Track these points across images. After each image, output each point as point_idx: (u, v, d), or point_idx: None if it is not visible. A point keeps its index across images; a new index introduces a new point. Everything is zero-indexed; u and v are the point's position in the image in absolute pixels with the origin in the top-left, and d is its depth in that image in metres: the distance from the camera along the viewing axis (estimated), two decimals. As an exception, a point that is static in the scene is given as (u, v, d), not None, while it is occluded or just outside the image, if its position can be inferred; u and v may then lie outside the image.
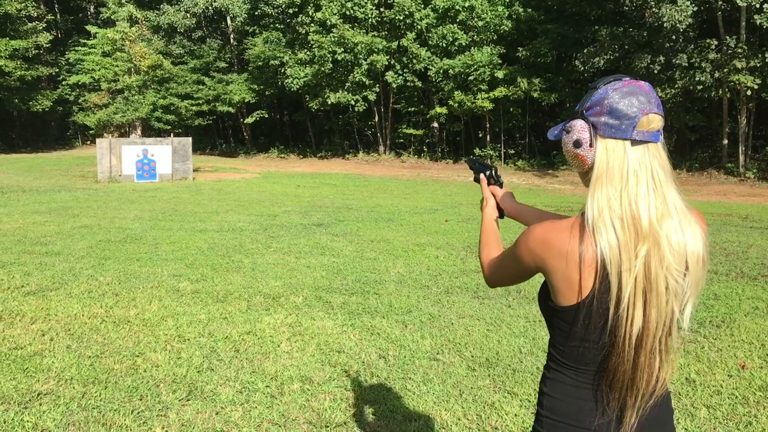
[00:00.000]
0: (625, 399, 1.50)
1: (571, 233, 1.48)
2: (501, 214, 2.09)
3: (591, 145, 1.50)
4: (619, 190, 1.45)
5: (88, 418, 3.68)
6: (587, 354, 1.52)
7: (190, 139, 22.62)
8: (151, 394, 4.01)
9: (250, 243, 9.34)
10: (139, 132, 37.21)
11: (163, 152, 21.23)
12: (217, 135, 43.69)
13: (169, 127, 35.77)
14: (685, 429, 3.61)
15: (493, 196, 2.13)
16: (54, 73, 42.19)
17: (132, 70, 36.80)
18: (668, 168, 1.49)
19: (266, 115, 37.84)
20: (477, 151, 30.69)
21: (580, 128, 1.52)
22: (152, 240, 9.46)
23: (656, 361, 1.49)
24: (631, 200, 1.44)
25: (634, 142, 1.47)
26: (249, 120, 37.30)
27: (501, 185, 2.16)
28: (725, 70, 21.14)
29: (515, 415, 3.77)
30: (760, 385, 4.23)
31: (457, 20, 29.03)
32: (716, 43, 21.78)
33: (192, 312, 5.80)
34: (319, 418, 3.73)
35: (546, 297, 1.59)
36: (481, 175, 2.17)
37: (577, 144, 1.52)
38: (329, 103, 31.36)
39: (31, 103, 39.07)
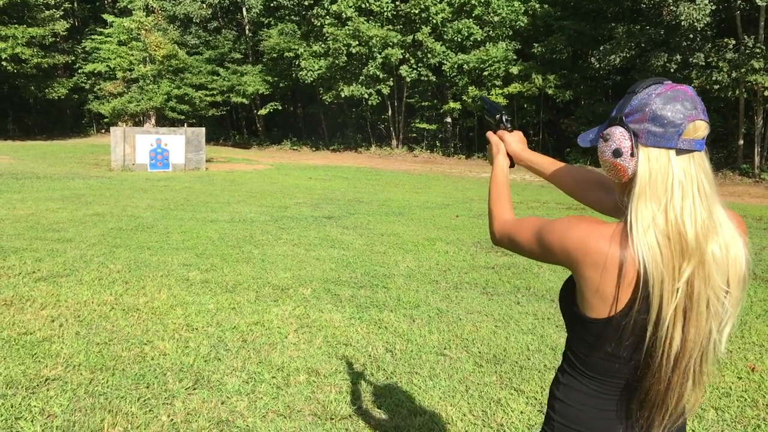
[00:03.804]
0: (653, 417, 1.45)
1: (612, 243, 1.38)
2: (511, 163, 1.94)
3: (632, 155, 1.39)
4: (664, 203, 1.35)
5: (95, 404, 3.70)
6: (613, 368, 1.45)
7: (203, 129, 22.66)
8: (157, 382, 4.02)
9: (261, 234, 9.36)
10: (153, 121, 37.34)
11: (176, 142, 21.29)
12: (230, 126, 43.82)
13: (183, 117, 35.88)
14: (693, 431, 3.58)
15: (504, 144, 1.96)
16: (70, 61, 42.42)
17: (147, 59, 36.91)
18: (712, 178, 1.39)
19: (280, 107, 37.88)
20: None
21: (620, 136, 1.41)
22: (163, 229, 9.50)
23: (689, 382, 1.42)
24: (677, 215, 1.34)
25: (679, 152, 1.36)
26: (263, 111, 37.39)
27: (511, 130, 1.98)
28: (742, 70, 20.93)
29: (521, 412, 3.76)
30: (769, 388, 4.19)
31: (473, 15, 28.95)
32: (734, 42, 21.57)
33: (201, 301, 5.82)
34: (324, 410, 3.73)
35: (571, 302, 1.50)
36: (492, 124, 2.01)
37: (617, 153, 1.41)
38: (343, 96, 31.39)
39: (47, 90, 39.30)
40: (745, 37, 21.51)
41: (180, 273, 6.86)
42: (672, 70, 22.27)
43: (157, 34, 36.42)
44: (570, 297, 1.51)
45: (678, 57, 22.58)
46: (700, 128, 1.38)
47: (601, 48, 24.72)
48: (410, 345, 4.86)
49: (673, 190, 1.36)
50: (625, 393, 1.47)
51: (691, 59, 22.20)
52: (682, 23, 20.80)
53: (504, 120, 1.98)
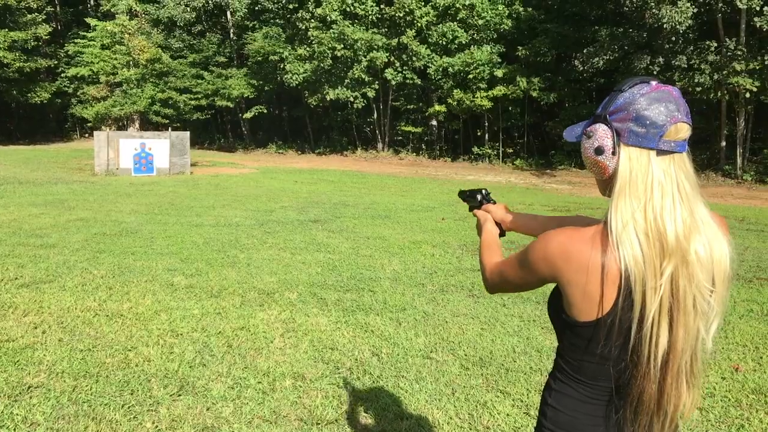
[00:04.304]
0: (651, 425, 1.44)
1: (593, 245, 1.40)
2: (502, 232, 2.02)
3: (614, 153, 1.41)
4: (644, 202, 1.37)
5: (78, 412, 3.66)
6: (604, 371, 1.45)
7: (188, 133, 22.56)
8: (142, 389, 3.99)
9: (246, 238, 9.32)
10: (137, 125, 37.12)
11: (160, 146, 21.18)
12: (215, 130, 43.61)
13: (168, 121, 35.70)
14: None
15: (490, 214, 2.06)
16: (53, 65, 42.02)
17: (131, 63, 36.68)
18: (694, 179, 1.41)
19: (265, 111, 37.76)
20: (475, 149, 30.66)
21: (602, 134, 1.43)
22: (148, 234, 9.43)
23: (683, 384, 1.42)
24: (657, 214, 1.36)
25: (660, 152, 1.38)
26: (248, 115, 37.25)
27: (494, 203, 2.10)
28: (724, 72, 21.15)
29: (507, 414, 3.76)
30: (753, 387, 4.22)
31: (458, 18, 29.04)
32: (716, 45, 21.79)
33: (186, 307, 5.78)
34: (310, 415, 3.72)
35: (559, 310, 1.51)
36: (475, 210, 2.14)
37: (599, 151, 1.43)
38: (328, 99, 31.35)
39: (29, 94, 38.93)
40: (727, 39, 21.73)
41: (164, 278, 6.81)
42: (655, 73, 22.44)
43: (141, 38, 36.24)
44: (558, 305, 1.52)
45: (661, 59, 22.77)
46: (682, 130, 1.40)
47: (584, 51, 24.89)
48: (396, 348, 4.85)
49: (653, 190, 1.37)
50: (615, 398, 1.46)
51: (673, 61, 22.40)
52: (665, 26, 20.99)
53: (486, 195, 2.13)
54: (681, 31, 21.46)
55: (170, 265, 7.45)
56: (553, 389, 1.56)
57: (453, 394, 4.03)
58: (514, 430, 3.58)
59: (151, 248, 8.38)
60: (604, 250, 1.39)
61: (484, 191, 2.14)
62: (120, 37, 36.20)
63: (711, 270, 1.40)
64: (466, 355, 4.75)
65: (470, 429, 3.60)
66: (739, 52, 21.11)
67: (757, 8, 20.01)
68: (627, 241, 1.36)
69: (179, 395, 3.93)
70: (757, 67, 20.78)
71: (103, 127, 34.64)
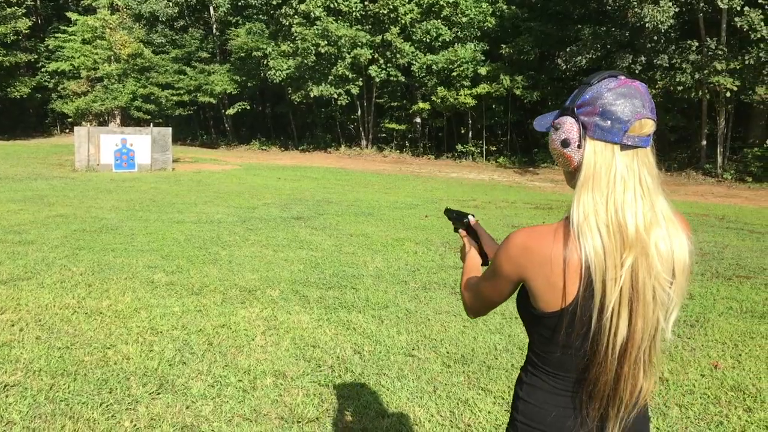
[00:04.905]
0: (606, 410, 1.47)
1: (555, 238, 1.43)
2: (485, 261, 1.99)
3: (579, 146, 1.45)
4: (606, 195, 1.40)
5: (55, 410, 3.61)
6: (568, 361, 1.48)
7: (170, 129, 22.38)
8: (120, 387, 3.95)
9: (228, 235, 9.26)
10: (118, 121, 36.82)
11: (142, 142, 20.99)
12: (197, 126, 43.30)
13: (149, 116, 35.40)
14: (657, 428, 3.62)
15: (475, 242, 2.04)
16: (33, 60, 41.54)
17: (112, 58, 36.34)
18: (656, 174, 1.45)
19: (248, 107, 37.56)
20: (459, 147, 30.71)
21: (569, 127, 1.46)
22: (128, 230, 9.35)
23: (640, 372, 1.45)
24: (618, 207, 1.39)
25: (624, 147, 1.41)
26: (230, 111, 37.01)
27: (477, 236, 2.04)
28: (705, 72, 21.33)
29: (489, 412, 3.76)
30: (732, 385, 4.25)
31: (441, 16, 29.04)
32: (697, 44, 21.97)
33: (166, 304, 5.73)
34: (291, 413, 3.69)
35: (526, 304, 1.53)
36: (461, 230, 2.10)
37: (565, 143, 1.46)
38: (312, 95, 31.23)
39: (9, 89, 38.48)
40: (708, 39, 21.91)
41: (145, 275, 6.75)
42: (637, 71, 22.60)
43: (122, 33, 35.91)
44: (525, 300, 1.54)
45: (643, 58, 22.93)
46: (647, 126, 1.44)
47: (567, 49, 24.98)
48: (378, 346, 4.84)
49: (615, 184, 1.41)
50: (576, 387, 1.49)
51: (655, 61, 22.55)
52: (647, 25, 21.11)
53: (472, 221, 2.09)
54: (663, 31, 21.60)
55: (151, 262, 7.39)
56: (524, 382, 1.59)
57: (434, 392, 4.03)
58: (495, 428, 3.58)
59: (132, 245, 8.30)
60: (565, 241, 1.42)
61: (472, 217, 2.10)
62: (101, 31, 35.86)
63: (671, 262, 1.43)
64: (448, 352, 4.75)
65: (451, 426, 3.59)
66: (720, 52, 21.30)
67: (738, 8, 20.18)
68: (588, 233, 1.39)
69: (158, 393, 3.89)
70: (738, 67, 20.96)
71: (83, 122, 34.33)
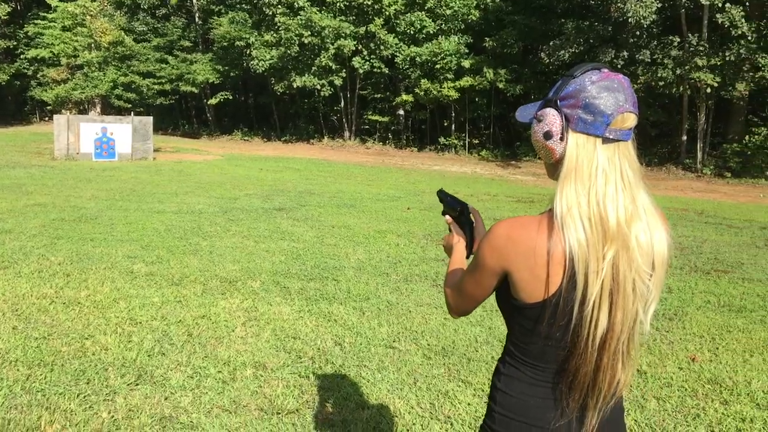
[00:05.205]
0: (586, 400, 1.48)
1: (539, 229, 1.43)
2: (469, 253, 1.91)
3: (562, 139, 1.45)
4: (588, 187, 1.40)
5: (32, 401, 3.57)
6: (549, 352, 1.48)
7: (151, 118, 22.18)
8: (98, 378, 3.91)
9: (209, 226, 9.20)
10: (98, 109, 36.33)
11: (123, 131, 20.78)
12: (179, 115, 42.95)
13: (130, 105, 35.02)
14: (635, 420, 3.65)
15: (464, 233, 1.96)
16: (12, 47, 40.89)
17: (92, 45, 35.86)
18: (637, 167, 1.45)
19: (230, 97, 37.26)
20: (442, 139, 30.73)
21: (552, 119, 1.45)
22: (108, 220, 9.26)
23: (619, 363, 1.46)
24: (599, 200, 1.39)
25: (606, 140, 1.42)
26: (213, 101, 36.71)
27: (470, 225, 1.96)
28: (686, 68, 21.49)
29: (468, 404, 3.77)
30: (709, 377, 4.30)
31: (426, 8, 28.98)
32: (679, 40, 22.12)
33: (145, 294, 5.68)
34: (271, 404, 3.68)
35: (507, 296, 1.52)
36: (447, 216, 2.01)
37: (548, 135, 1.46)
38: (295, 86, 31.05)
39: (-14, 76, 37.89)
40: (690, 35, 22.06)
41: (124, 265, 6.69)
42: (619, 66, 22.72)
43: (103, 20, 35.42)
44: (506, 292, 1.53)
45: (625, 53, 23.05)
46: (629, 119, 1.45)
47: (551, 43, 25.05)
48: (359, 338, 4.84)
49: (597, 177, 1.41)
50: (556, 378, 1.50)
51: (637, 56, 22.69)
52: (629, 20, 21.23)
53: (466, 214, 2.00)
54: (645, 26, 21.73)
55: (130, 252, 7.32)
56: (502, 373, 1.58)
57: (415, 384, 4.03)
58: (475, 420, 3.59)
59: (111, 235, 8.22)
60: (549, 233, 1.42)
61: (465, 209, 1.98)
62: (81, 18, 35.33)
63: (651, 255, 1.44)
64: (428, 344, 4.75)
65: (431, 418, 3.60)
66: (701, 48, 21.48)
67: (720, 4, 20.35)
68: (571, 225, 1.40)
69: (137, 384, 3.86)
70: (718, 63, 21.14)
71: (63, 110, 33.86)
